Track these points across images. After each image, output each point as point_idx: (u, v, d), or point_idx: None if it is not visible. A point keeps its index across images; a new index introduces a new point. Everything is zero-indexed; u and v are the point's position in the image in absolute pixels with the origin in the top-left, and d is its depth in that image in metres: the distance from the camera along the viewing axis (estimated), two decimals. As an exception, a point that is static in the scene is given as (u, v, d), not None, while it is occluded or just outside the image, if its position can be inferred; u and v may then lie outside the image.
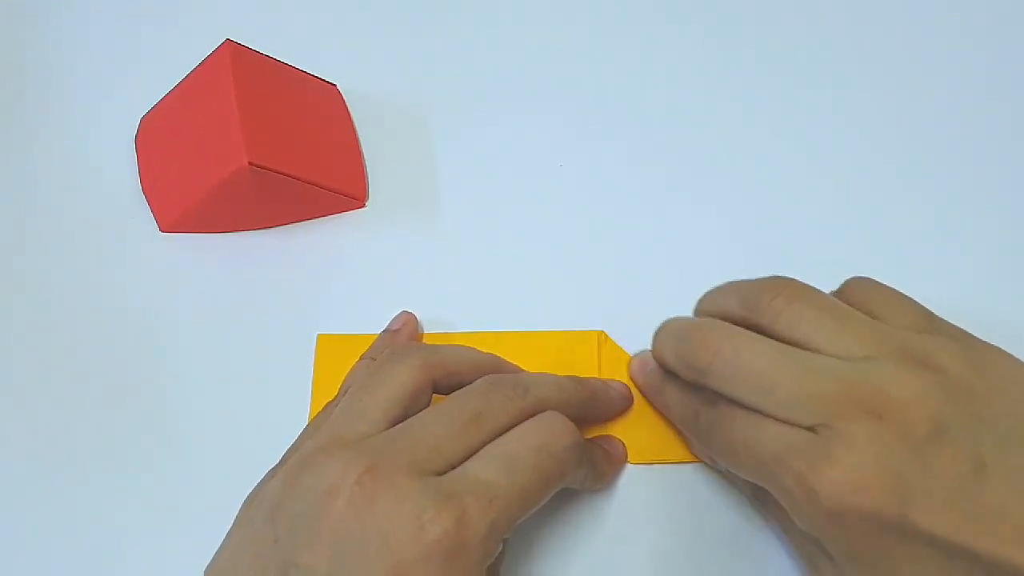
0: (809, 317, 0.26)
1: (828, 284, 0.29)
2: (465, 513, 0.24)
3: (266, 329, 0.36)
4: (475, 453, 0.26)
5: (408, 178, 0.40)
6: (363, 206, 0.39)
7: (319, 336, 0.35)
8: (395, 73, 0.42)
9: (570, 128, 0.41)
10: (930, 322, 0.27)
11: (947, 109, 0.41)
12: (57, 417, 0.34)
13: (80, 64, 0.43)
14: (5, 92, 0.42)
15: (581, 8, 0.44)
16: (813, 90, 0.41)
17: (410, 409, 0.27)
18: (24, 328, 0.36)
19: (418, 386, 0.28)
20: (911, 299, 0.28)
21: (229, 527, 0.27)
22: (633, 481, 0.33)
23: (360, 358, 0.32)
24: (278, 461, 0.29)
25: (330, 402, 0.31)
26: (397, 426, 0.27)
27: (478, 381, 0.29)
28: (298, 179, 0.36)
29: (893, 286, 0.29)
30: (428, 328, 0.35)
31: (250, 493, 0.28)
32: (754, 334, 0.26)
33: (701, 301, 0.30)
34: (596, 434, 0.33)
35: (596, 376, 0.34)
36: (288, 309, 0.36)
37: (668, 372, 0.30)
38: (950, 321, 0.28)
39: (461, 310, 0.35)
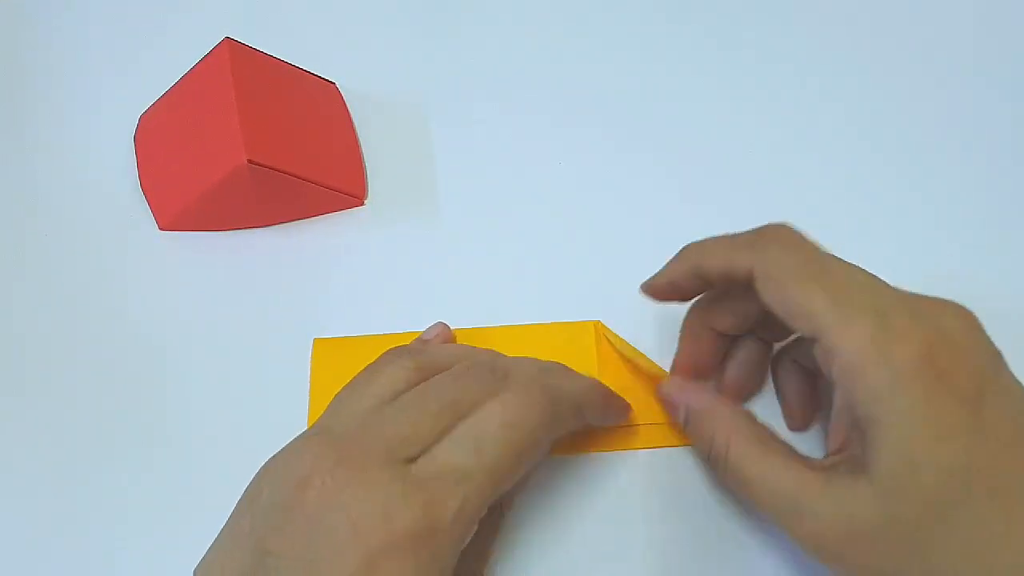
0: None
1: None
2: (432, 499, 0.24)
3: (265, 326, 0.36)
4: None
5: (407, 176, 0.40)
6: (362, 204, 0.39)
7: (315, 341, 0.35)
8: (394, 71, 0.42)
9: (569, 125, 0.41)
10: None
11: (946, 109, 0.41)
12: (54, 414, 0.34)
13: (79, 62, 0.43)
14: (4, 90, 0.42)
15: (580, 6, 0.44)
16: (811, 87, 0.42)
17: None
18: (22, 325, 0.36)
19: (411, 385, 0.28)
20: None
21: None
22: (631, 466, 0.33)
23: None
24: None
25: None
26: (373, 415, 0.27)
27: (457, 366, 0.29)
28: (297, 177, 0.36)
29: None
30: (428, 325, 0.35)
31: None
32: None
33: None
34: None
35: (595, 365, 0.34)
36: (287, 307, 0.36)
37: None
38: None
39: (460, 307, 0.35)
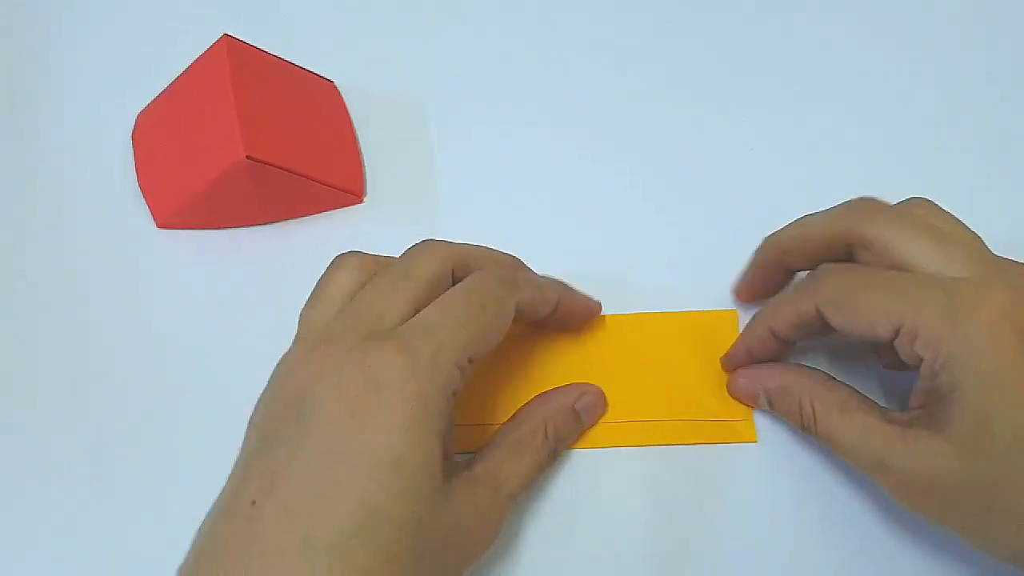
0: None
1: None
2: (407, 346, 0.26)
3: (264, 325, 0.36)
4: None
5: (406, 174, 0.40)
6: (361, 202, 0.39)
7: None
8: (393, 69, 0.42)
9: (568, 123, 0.41)
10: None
11: (945, 107, 0.41)
12: (52, 412, 0.34)
13: (77, 60, 0.43)
14: (2, 88, 0.42)
15: (580, 6, 0.44)
16: (811, 90, 0.42)
17: (432, 293, 0.29)
18: (20, 323, 0.36)
19: (362, 280, 0.29)
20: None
21: None
22: (623, 463, 0.33)
23: None
24: None
25: None
26: (345, 308, 0.28)
27: (472, 275, 0.30)
28: (296, 174, 0.36)
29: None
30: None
31: None
32: None
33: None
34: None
35: (598, 361, 0.34)
36: (286, 305, 0.36)
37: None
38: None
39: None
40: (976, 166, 0.39)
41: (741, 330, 0.34)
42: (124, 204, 0.38)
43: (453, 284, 0.29)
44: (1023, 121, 0.40)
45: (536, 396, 0.33)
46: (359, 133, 0.40)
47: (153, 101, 0.40)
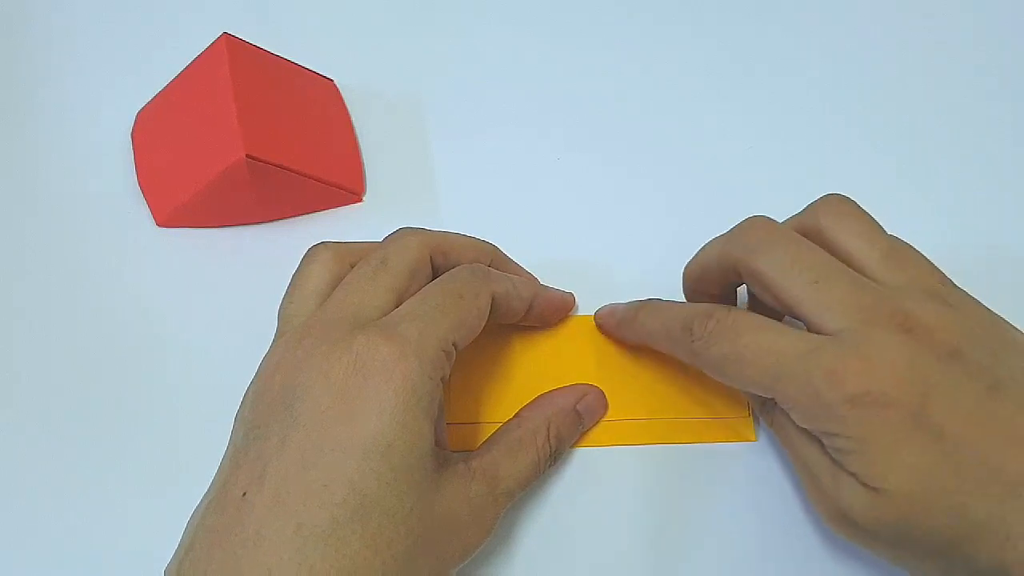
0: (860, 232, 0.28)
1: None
2: (392, 333, 0.26)
3: (263, 323, 0.36)
4: None
5: (405, 172, 0.40)
6: (360, 200, 0.39)
7: None
8: (392, 68, 0.42)
9: (567, 122, 0.41)
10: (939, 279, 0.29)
11: (944, 107, 0.41)
12: (52, 411, 0.34)
13: (77, 58, 0.43)
14: (2, 87, 0.42)
15: (580, 5, 0.44)
16: (811, 87, 0.42)
17: (412, 281, 0.29)
18: (20, 322, 0.36)
19: (339, 274, 0.30)
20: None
21: None
22: (622, 462, 0.33)
23: None
24: None
25: None
26: (325, 302, 0.29)
27: (453, 270, 0.30)
28: (295, 172, 0.36)
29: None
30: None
31: None
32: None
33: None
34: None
35: (593, 359, 0.34)
36: (285, 303, 0.36)
37: (642, 303, 0.33)
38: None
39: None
40: (976, 166, 0.39)
41: None
42: (124, 203, 0.38)
43: (432, 271, 0.30)
44: (1021, 124, 0.40)
45: (538, 396, 0.33)
46: (359, 132, 0.40)
47: (153, 100, 0.40)
